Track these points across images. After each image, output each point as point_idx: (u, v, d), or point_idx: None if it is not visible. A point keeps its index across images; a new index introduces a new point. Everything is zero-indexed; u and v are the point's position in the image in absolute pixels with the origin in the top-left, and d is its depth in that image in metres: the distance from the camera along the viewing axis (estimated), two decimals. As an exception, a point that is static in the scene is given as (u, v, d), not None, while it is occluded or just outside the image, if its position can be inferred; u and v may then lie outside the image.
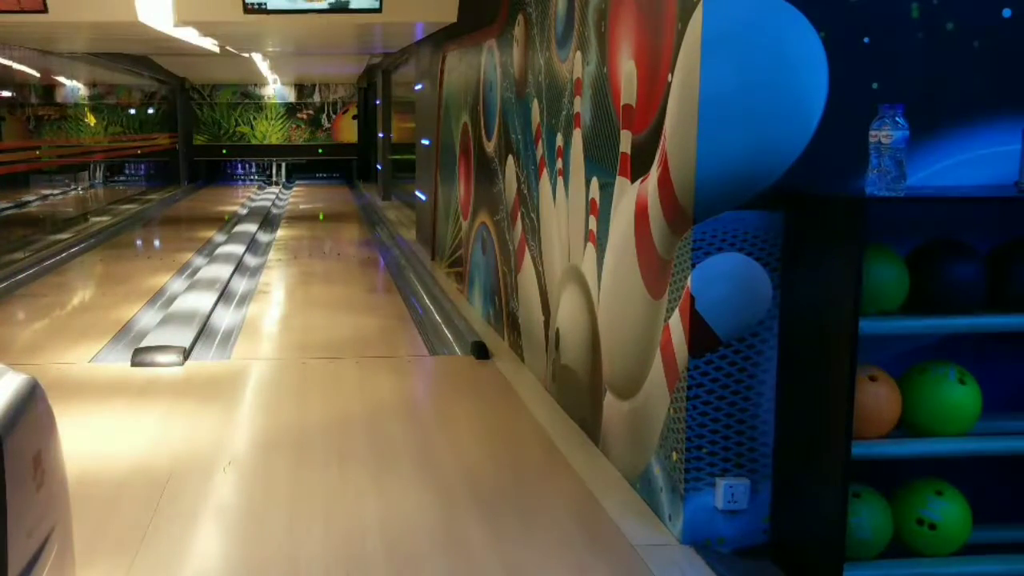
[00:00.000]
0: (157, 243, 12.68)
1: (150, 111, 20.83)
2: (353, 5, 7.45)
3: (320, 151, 22.88)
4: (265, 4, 7.48)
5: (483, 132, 6.87)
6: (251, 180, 22.50)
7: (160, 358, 5.76)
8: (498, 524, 3.53)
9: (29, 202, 12.93)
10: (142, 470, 4.06)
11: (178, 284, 8.49)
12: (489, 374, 5.61)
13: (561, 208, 4.82)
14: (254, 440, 4.52)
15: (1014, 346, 3.30)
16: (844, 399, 2.89)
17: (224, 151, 22.66)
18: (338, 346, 6.28)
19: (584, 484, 3.91)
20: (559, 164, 4.82)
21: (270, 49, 13.17)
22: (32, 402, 2.15)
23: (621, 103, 3.90)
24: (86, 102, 16.58)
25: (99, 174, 16.82)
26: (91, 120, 16.76)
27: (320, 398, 5.16)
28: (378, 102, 17.93)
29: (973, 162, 3.19)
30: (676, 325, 3.34)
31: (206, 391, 5.26)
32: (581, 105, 4.43)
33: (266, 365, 5.85)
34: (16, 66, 12.37)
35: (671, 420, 3.42)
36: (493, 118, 6.49)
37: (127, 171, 19.66)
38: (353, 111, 22.79)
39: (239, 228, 12.54)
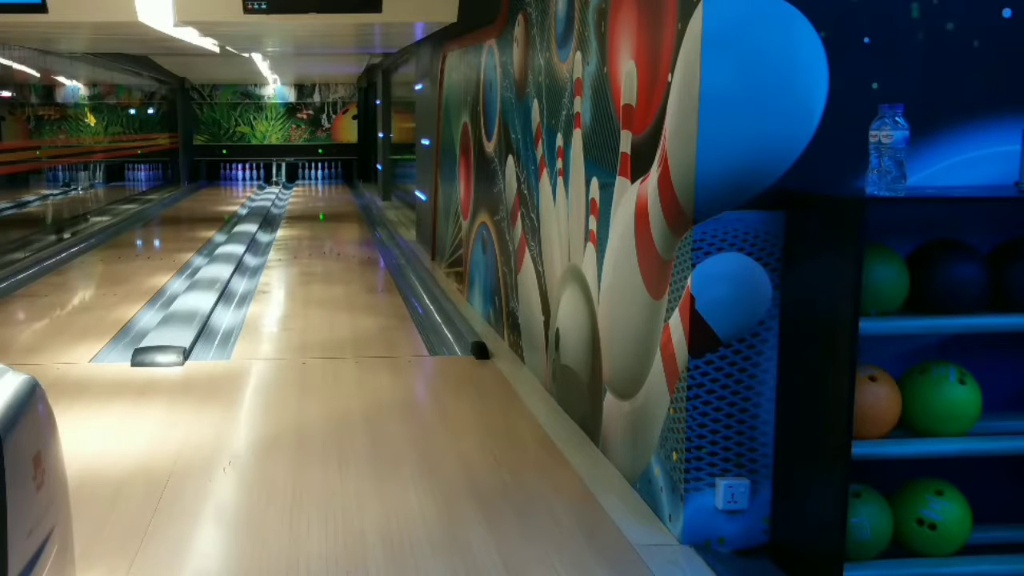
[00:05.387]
0: (157, 243, 12.68)
1: (150, 111, 20.84)
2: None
3: (320, 151, 22.88)
4: (265, 4, 7.48)
5: (483, 132, 6.87)
6: (251, 180, 22.50)
7: (160, 358, 5.76)
8: (498, 524, 3.53)
9: (29, 202, 12.94)
10: (142, 470, 4.06)
11: (178, 284, 8.49)
12: (489, 374, 5.61)
13: (561, 208, 4.82)
14: (254, 440, 4.52)
15: (1014, 346, 3.30)
16: (844, 399, 2.88)
17: (224, 151, 22.66)
18: (338, 346, 6.28)
19: (584, 484, 3.91)
20: (559, 164, 4.82)
21: (270, 49, 13.17)
22: (32, 402, 2.15)
23: (621, 103, 3.90)
24: (86, 102, 16.59)
25: (99, 174, 16.83)
26: (91, 120, 16.76)
27: (320, 398, 5.16)
28: (378, 102, 17.93)
29: (973, 162, 3.19)
30: (676, 325, 3.34)
31: (206, 391, 5.26)
32: (581, 105, 4.43)
33: (266, 365, 5.85)
34: (16, 66, 12.37)
35: (671, 420, 3.42)
36: (493, 118, 6.49)
37: (127, 171, 19.67)
38: (353, 111, 22.79)
39: (239, 228, 12.53)
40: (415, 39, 10.39)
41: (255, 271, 9.42)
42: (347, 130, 22.87)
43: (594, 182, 4.27)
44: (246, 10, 7.49)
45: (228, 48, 11.90)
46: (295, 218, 14.66)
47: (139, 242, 12.54)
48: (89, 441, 4.42)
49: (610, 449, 4.11)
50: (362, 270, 9.80)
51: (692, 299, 3.23)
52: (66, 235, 12.11)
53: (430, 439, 4.49)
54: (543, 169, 5.16)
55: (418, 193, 11.22)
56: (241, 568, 3.23)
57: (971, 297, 3.02)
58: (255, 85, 22.40)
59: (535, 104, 5.29)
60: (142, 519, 3.55)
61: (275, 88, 22.56)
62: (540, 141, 5.20)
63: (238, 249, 10.38)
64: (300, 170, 22.79)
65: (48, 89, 14.43)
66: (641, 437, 3.72)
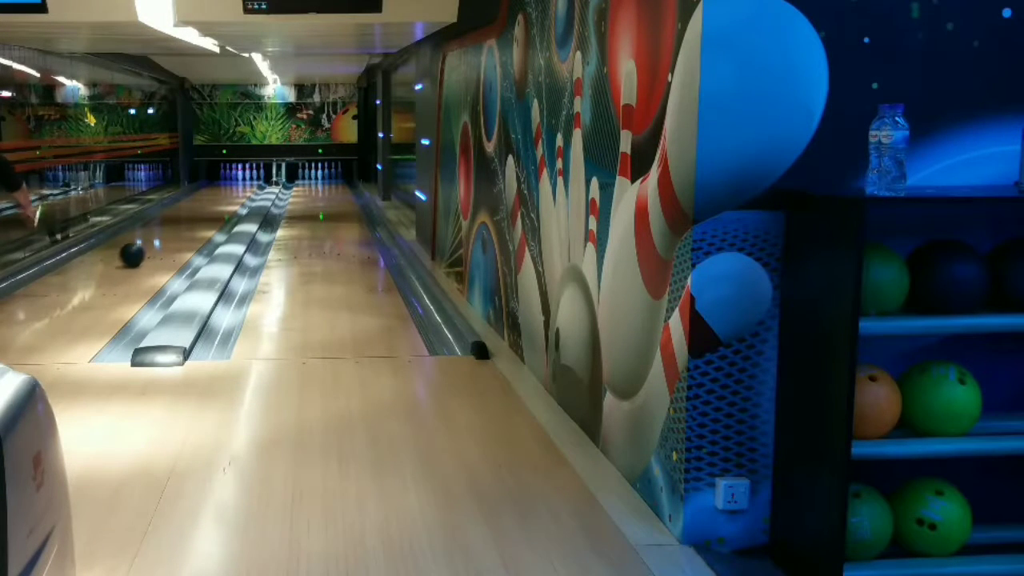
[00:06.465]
0: (157, 243, 12.68)
1: (150, 111, 20.84)
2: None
3: (320, 151, 22.88)
4: (265, 4, 7.48)
5: (483, 132, 6.88)
6: (251, 180, 22.51)
7: (160, 358, 5.76)
8: (498, 524, 3.53)
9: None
10: (142, 470, 4.06)
11: (178, 284, 8.49)
12: (489, 374, 5.61)
13: (561, 208, 4.82)
14: (254, 440, 4.52)
15: (1014, 346, 3.30)
16: (844, 399, 2.88)
17: (224, 151, 22.66)
18: (338, 346, 6.28)
19: (584, 484, 3.91)
20: (559, 164, 4.82)
21: (270, 49, 13.17)
22: (32, 402, 2.15)
23: (621, 103, 3.90)
24: (86, 102, 16.58)
25: (99, 174, 16.83)
26: (91, 120, 16.76)
27: (320, 398, 5.16)
28: (378, 102, 17.94)
29: (973, 162, 3.19)
30: (676, 325, 3.34)
31: (206, 391, 5.26)
32: (581, 105, 4.43)
33: (266, 365, 5.85)
34: (16, 66, 12.37)
35: (671, 420, 3.42)
36: (493, 118, 6.49)
37: (127, 171, 19.67)
38: (353, 111, 22.79)
39: (239, 228, 12.54)
40: (415, 39, 10.39)
41: (255, 271, 9.42)
42: (347, 130, 22.88)
43: (594, 182, 4.27)
44: (246, 10, 7.49)
45: (228, 48, 11.91)
46: (295, 218, 14.66)
47: (139, 242, 12.54)
48: (89, 441, 4.42)
49: (610, 449, 4.11)
50: (362, 270, 9.80)
51: (692, 299, 3.23)
52: (63, 236, 12.09)
53: (430, 439, 4.49)
54: (543, 169, 5.16)
55: (418, 193, 11.22)
56: (241, 568, 3.23)
57: (971, 297, 3.02)
58: (255, 85, 22.41)
59: (535, 104, 5.29)
60: (142, 519, 3.55)
61: (275, 88, 22.57)
62: (540, 141, 5.20)
63: (238, 249, 10.38)
64: (300, 170, 22.80)
65: (48, 89, 14.44)
66: (641, 437, 3.72)
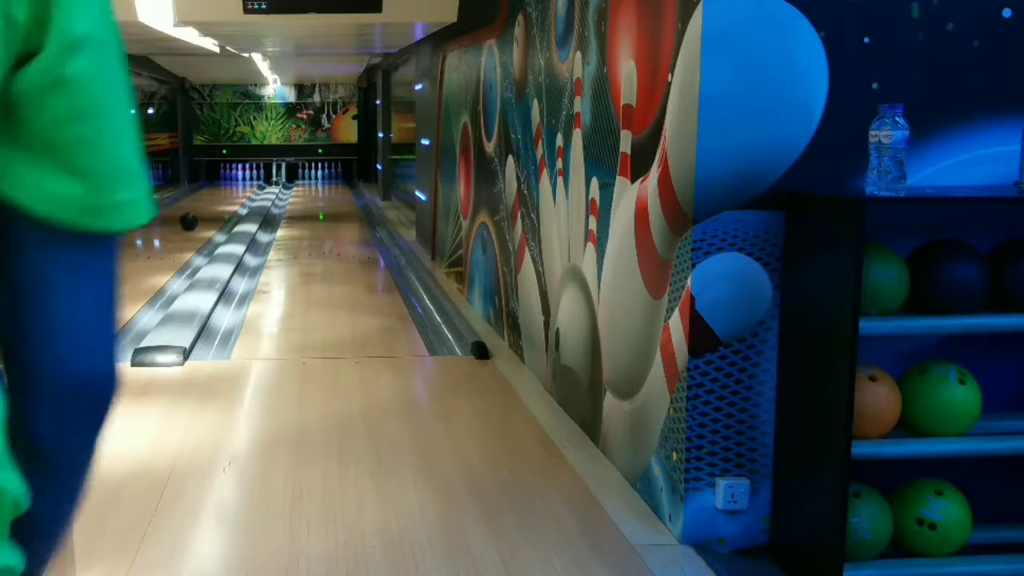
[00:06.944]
0: (157, 243, 12.67)
1: (150, 111, 20.83)
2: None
3: (320, 151, 22.88)
4: (265, 4, 7.48)
5: (483, 132, 6.87)
6: (251, 180, 22.50)
7: (160, 358, 5.76)
8: (498, 524, 3.53)
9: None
10: (142, 470, 4.06)
11: (178, 284, 8.49)
12: (489, 374, 5.61)
13: (561, 208, 4.82)
14: (254, 440, 4.52)
15: (1014, 346, 3.30)
16: (844, 399, 2.88)
17: (224, 151, 22.66)
18: (338, 346, 6.27)
19: (584, 484, 3.90)
20: (559, 164, 4.82)
21: (270, 49, 13.17)
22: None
23: (621, 103, 3.90)
24: (86, 102, 16.55)
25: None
26: (91, 120, 16.75)
27: (320, 398, 5.16)
28: (378, 102, 17.93)
29: (973, 162, 3.19)
30: (676, 325, 3.34)
31: (206, 391, 5.25)
32: (581, 105, 4.43)
33: (266, 365, 5.85)
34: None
35: (671, 420, 3.42)
36: (493, 118, 6.49)
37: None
38: (353, 111, 22.79)
39: (239, 228, 12.53)
40: (415, 39, 10.39)
41: (255, 271, 9.42)
42: (347, 130, 22.87)
43: (594, 182, 4.27)
44: (246, 10, 7.49)
45: (228, 48, 11.90)
46: (295, 218, 14.65)
47: (139, 242, 12.53)
48: (89, 441, 4.41)
49: (610, 449, 4.11)
50: (362, 270, 9.79)
51: (692, 299, 3.23)
52: None
53: (430, 439, 4.49)
54: (543, 169, 5.16)
55: (418, 193, 11.22)
56: (241, 568, 3.23)
57: (971, 297, 3.02)
58: (255, 85, 22.40)
59: (535, 104, 5.29)
60: (142, 519, 3.55)
61: (275, 88, 22.56)
62: (540, 141, 5.20)
63: (238, 249, 10.38)
64: (300, 170, 22.79)
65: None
66: (641, 437, 3.72)
